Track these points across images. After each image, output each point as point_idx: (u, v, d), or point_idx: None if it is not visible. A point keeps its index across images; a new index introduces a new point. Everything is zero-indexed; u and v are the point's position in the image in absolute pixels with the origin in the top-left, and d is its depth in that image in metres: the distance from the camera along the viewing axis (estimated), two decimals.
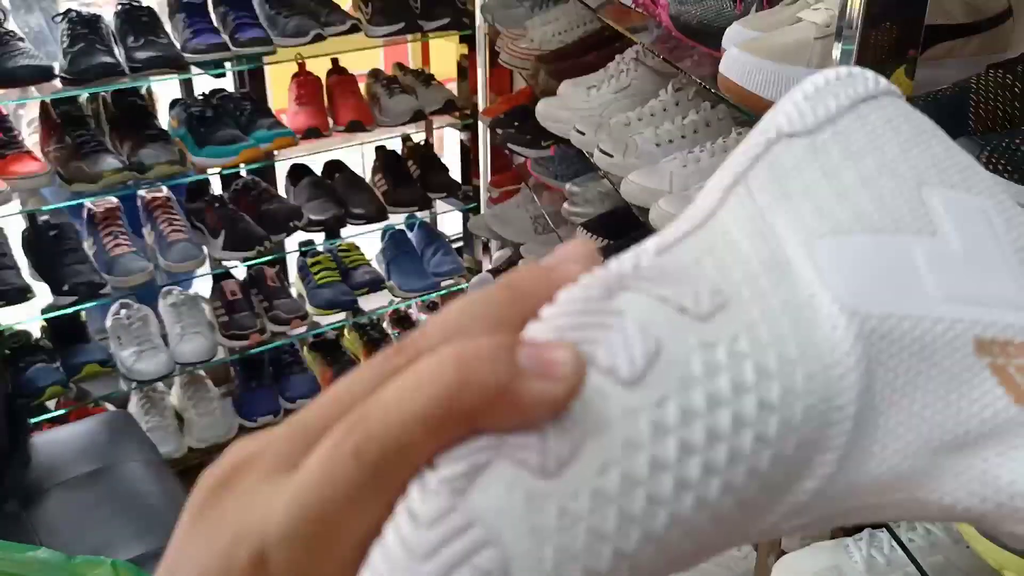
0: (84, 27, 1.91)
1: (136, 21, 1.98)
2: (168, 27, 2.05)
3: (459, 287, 2.58)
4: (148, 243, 2.18)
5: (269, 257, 2.28)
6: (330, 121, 2.31)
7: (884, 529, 1.07)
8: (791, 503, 0.22)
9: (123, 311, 2.21)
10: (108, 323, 2.21)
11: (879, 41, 0.90)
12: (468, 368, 0.20)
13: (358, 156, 2.74)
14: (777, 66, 0.99)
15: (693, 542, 0.20)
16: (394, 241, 2.54)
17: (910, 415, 0.22)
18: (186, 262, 2.09)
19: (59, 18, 1.96)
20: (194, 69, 2.07)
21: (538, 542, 0.19)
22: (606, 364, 0.20)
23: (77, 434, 1.75)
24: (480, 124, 2.45)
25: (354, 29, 2.14)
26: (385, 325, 2.65)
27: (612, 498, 0.19)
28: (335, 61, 2.38)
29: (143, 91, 2.17)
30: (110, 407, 2.15)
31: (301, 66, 2.32)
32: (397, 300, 2.52)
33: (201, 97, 2.21)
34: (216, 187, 2.32)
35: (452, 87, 2.49)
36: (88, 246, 2.09)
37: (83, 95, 2.10)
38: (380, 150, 2.52)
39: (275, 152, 2.17)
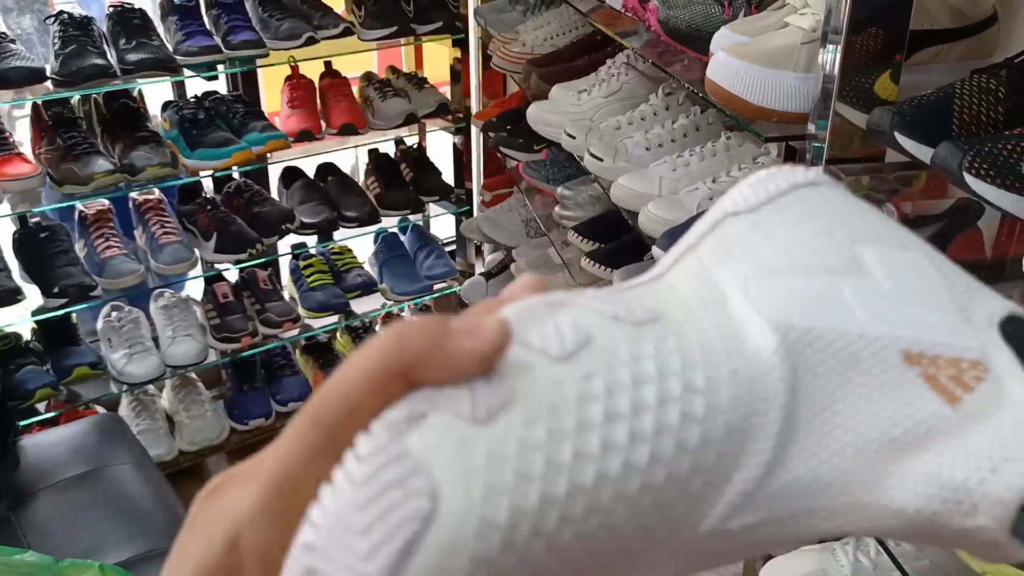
0: (76, 29, 1.91)
1: (128, 23, 1.98)
2: (160, 29, 2.05)
3: (451, 290, 2.58)
4: (139, 245, 2.17)
5: (261, 260, 2.28)
6: (323, 124, 2.31)
7: None
8: (732, 494, 0.23)
9: (114, 313, 2.21)
10: (99, 325, 2.21)
11: (865, 46, 0.91)
12: (404, 334, 0.23)
13: (351, 159, 2.74)
14: (764, 70, 0.99)
15: (634, 518, 0.22)
16: (386, 244, 2.54)
17: (844, 417, 0.23)
18: (177, 264, 2.09)
19: (51, 20, 1.96)
20: (186, 71, 2.07)
21: (467, 476, 0.21)
22: (538, 345, 0.23)
23: (67, 437, 1.74)
24: (473, 127, 2.46)
25: (347, 32, 2.14)
26: (377, 328, 2.65)
27: (539, 447, 0.21)
28: (328, 64, 2.38)
29: (135, 93, 2.17)
30: (100, 410, 2.14)
31: (294, 69, 2.32)
32: (389, 303, 2.52)
33: (193, 99, 2.21)
34: (208, 189, 2.32)
35: (445, 90, 2.49)
36: (79, 248, 2.09)
37: (75, 97, 2.10)
38: (373, 153, 2.52)
39: (268, 155, 2.17)
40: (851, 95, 0.91)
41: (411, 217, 2.57)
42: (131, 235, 2.19)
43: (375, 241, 2.57)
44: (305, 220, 2.28)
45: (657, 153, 1.47)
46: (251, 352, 2.31)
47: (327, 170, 2.48)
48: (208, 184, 2.32)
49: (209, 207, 2.19)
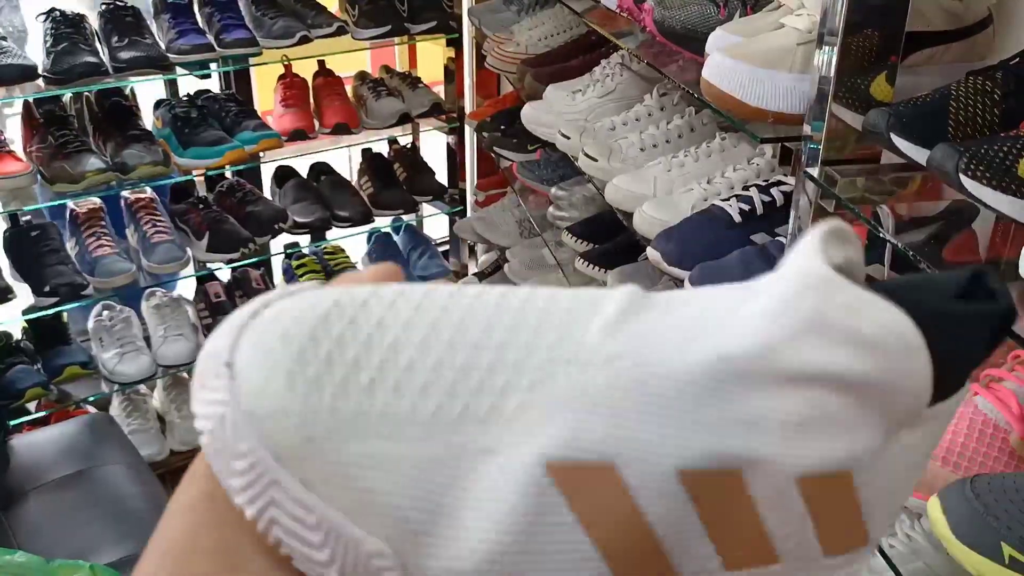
0: (68, 26, 1.90)
1: (120, 21, 1.97)
2: (153, 27, 2.04)
3: None
4: (131, 244, 2.16)
5: (254, 259, 2.28)
6: (316, 123, 2.30)
7: None
8: None
9: (105, 312, 2.20)
10: (90, 325, 2.20)
11: (860, 47, 0.91)
12: None
13: (344, 158, 2.73)
14: (760, 71, 0.99)
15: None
16: (380, 244, 2.53)
17: None
18: (170, 264, 2.08)
19: (42, 17, 1.95)
20: (179, 70, 2.06)
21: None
22: None
23: (58, 436, 1.73)
24: (466, 127, 2.45)
25: (341, 31, 2.13)
26: None
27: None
28: (321, 63, 2.37)
29: (127, 91, 2.16)
30: (91, 409, 2.13)
31: (287, 68, 2.31)
32: None
33: (186, 98, 2.20)
34: (201, 188, 2.31)
35: (439, 90, 2.49)
36: (70, 247, 2.08)
37: (66, 95, 2.09)
38: (366, 153, 2.52)
39: (260, 154, 2.16)
40: (847, 96, 0.91)
41: (404, 217, 2.57)
42: (123, 234, 2.18)
43: (368, 241, 2.56)
44: (298, 220, 2.27)
45: (652, 154, 1.47)
46: None
47: (320, 169, 2.48)
48: (200, 183, 2.31)
49: (201, 206, 2.18)
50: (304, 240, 2.48)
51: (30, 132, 2.04)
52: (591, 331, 0.24)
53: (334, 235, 2.47)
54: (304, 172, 2.46)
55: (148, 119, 2.18)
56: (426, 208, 2.62)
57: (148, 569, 0.25)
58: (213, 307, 2.25)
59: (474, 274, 2.46)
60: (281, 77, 2.33)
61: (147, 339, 2.19)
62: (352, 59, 2.43)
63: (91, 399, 2.16)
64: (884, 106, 0.87)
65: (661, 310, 0.24)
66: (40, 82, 1.88)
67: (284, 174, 2.44)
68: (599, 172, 1.49)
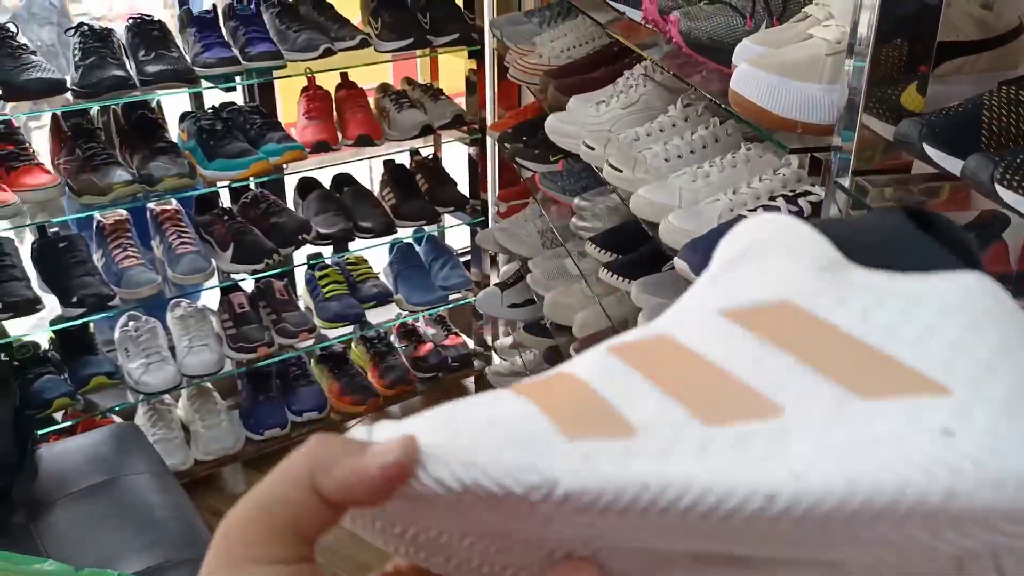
0: (96, 41, 1.93)
1: (147, 35, 1.99)
2: (179, 41, 2.07)
3: (466, 300, 2.58)
4: (157, 255, 2.18)
5: (277, 270, 2.29)
6: (339, 135, 2.31)
7: None
8: None
9: (131, 323, 2.21)
10: (116, 335, 2.22)
11: (890, 58, 0.91)
12: (317, 448, 0.26)
13: (367, 170, 2.74)
14: (790, 82, 0.99)
15: None
16: (402, 254, 2.54)
17: None
18: (194, 275, 2.09)
19: (71, 32, 1.97)
20: (204, 83, 2.08)
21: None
22: None
23: (84, 446, 1.75)
24: (488, 138, 2.46)
25: (364, 44, 2.15)
26: (392, 338, 2.65)
27: None
28: (344, 75, 2.39)
29: (153, 104, 2.18)
30: (117, 419, 2.15)
31: (311, 80, 2.33)
32: (405, 313, 2.52)
33: (211, 110, 2.22)
34: (225, 200, 2.33)
35: (461, 102, 2.50)
36: (97, 258, 2.10)
37: (93, 108, 2.11)
38: (389, 164, 2.53)
39: (284, 165, 2.17)
40: (877, 107, 0.91)
41: (426, 228, 2.57)
42: (148, 245, 2.20)
43: (390, 251, 2.57)
44: (321, 231, 2.28)
45: (676, 164, 1.47)
46: (267, 362, 2.32)
47: (343, 181, 2.49)
48: (225, 194, 2.33)
49: (226, 217, 2.20)
50: (327, 251, 2.49)
51: (58, 145, 2.06)
52: None
53: (356, 246, 2.48)
54: (327, 183, 2.48)
55: (174, 131, 2.20)
56: (448, 219, 2.63)
57: None
58: (237, 317, 2.27)
59: (495, 284, 2.47)
60: (304, 89, 2.35)
61: (172, 350, 2.21)
62: (374, 71, 2.45)
63: (117, 409, 2.18)
64: (915, 116, 0.87)
65: None
66: (68, 95, 1.90)
67: (307, 185, 2.45)
68: (623, 183, 1.49)
